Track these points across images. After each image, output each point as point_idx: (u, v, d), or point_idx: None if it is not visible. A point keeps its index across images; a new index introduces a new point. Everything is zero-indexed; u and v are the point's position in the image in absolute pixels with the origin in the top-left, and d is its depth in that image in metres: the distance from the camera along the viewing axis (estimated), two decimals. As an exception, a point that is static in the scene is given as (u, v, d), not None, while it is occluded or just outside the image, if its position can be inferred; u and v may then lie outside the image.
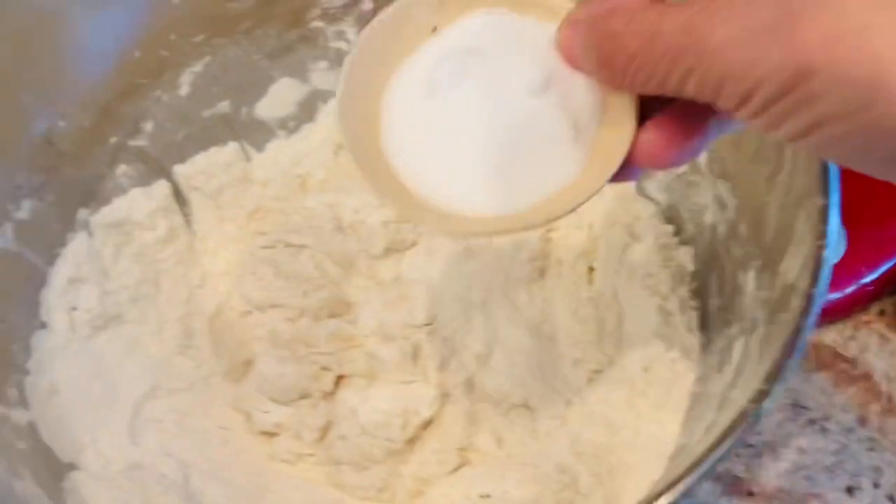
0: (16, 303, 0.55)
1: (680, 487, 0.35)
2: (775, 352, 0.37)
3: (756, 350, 0.44)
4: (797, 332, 0.36)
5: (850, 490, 0.66)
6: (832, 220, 0.38)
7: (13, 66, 0.53)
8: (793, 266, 0.41)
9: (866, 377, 0.70)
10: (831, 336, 0.71)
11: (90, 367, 0.58)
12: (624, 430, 0.55)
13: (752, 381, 0.39)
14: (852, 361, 0.71)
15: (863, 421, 0.68)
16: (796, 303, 0.37)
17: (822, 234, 0.38)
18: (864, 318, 0.72)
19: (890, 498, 0.65)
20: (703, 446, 0.46)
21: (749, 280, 0.50)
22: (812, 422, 0.68)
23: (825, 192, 0.39)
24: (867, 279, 0.70)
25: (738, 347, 0.50)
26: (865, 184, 0.74)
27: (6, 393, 0.51)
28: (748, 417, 0.35)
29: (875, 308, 0.72)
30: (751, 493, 0.65)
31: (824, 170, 0.40)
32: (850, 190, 0.73)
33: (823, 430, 0.68)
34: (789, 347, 0.36)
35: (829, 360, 0.71)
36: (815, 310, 0.36)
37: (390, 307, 0.62)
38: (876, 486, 0.66)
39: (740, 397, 0.41)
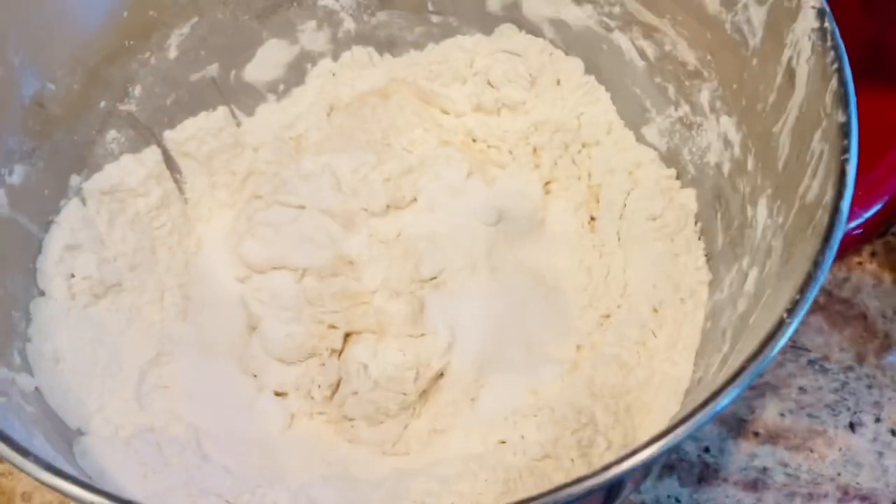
0: (13, 270, 0.54)
1: (723, 400, 0.35)
2: (803, 264, 0.37)
3: (775, 274, 0.45)
4: (826, 241, 0.36)
5: (852, 426, 0.67)
6: (853, 135, 0.38)
7: (2, 25, 0.51)
8: (813, 186, 0.41)
9: (862, 317, 0.71)
10: (826, 278, 0.72)
11: (92, 334, 0.56)
12: (638, 370, 0.55)
13: (777, 302, 0.40)
14: (847, 302, 0.72)
15: (861, 359, 0.70)
16: (823, 217, 0.37)
17: (845, 149, 0.38)
18: (857, 259, 0.73)
19: (892, 432, 0.67)
20: (723, 377, 0.47)
21: (760, 211, 0.51)
22: (812, 362, 0.69)
23: (845, 109, 0.39)
24: (857, 222, 0.71)
25: (751, 278, 0.50)
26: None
27: (11, 358, 0.49)
28: (784, 326, 0.35)
29: (867, 250, 0.74)
30: (756, 434, 0.66)
31: (842, 88, 0.40)
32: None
33: (823, 370, 0.69)
34: (820, 257, 0.36)
35: (825, 302, 0.72)
36: (842, 221, 0.36)
37: (395, 263, 0.62)
38: (878, 420, 0.67)
39: (764, 320, 0.41)
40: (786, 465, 0.65)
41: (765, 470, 0.65)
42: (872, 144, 0.73)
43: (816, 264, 0.36)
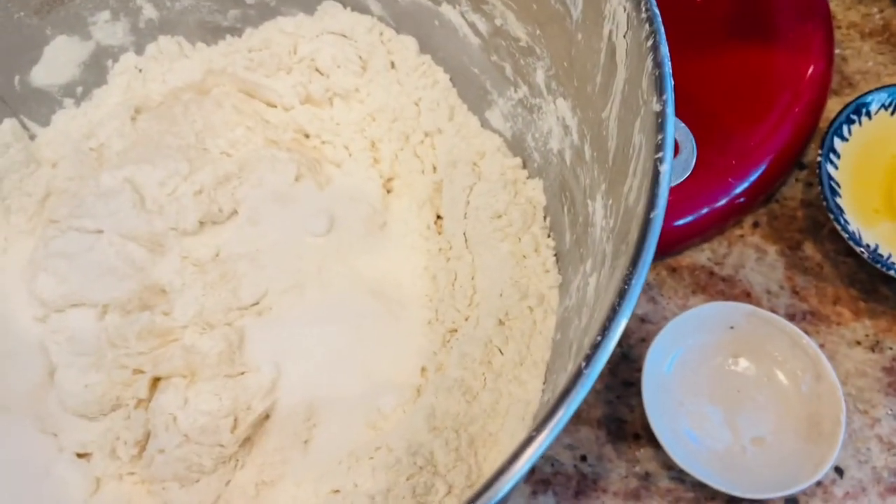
0: None
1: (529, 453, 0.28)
2: (613, 287, 0.31)
3: (604, 287, 0.38)
4: (634, 264, 0.29)
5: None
6: (668, 128, 0.31)
7: None
8: (633, 187, 0.34)
9: (745, 294, 0.66)
10: (705, 255, 0.67)
11: None
12: (483, 394, 0.48)
13: (589, 335, 0.33)
14: (729, 280, 0.67)
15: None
16: (634, 230, 0.30)
17: (658, 146, 0.31)
18: (738, 232, 0.68)
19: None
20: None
21: (597, 209, 0.44)
22: (694, 349, 0.64)
23: (660, 95, 0.32)
24: (737, 190, 0.66)
25: (591, 286, 0.43)
26: (725, 89, 0.70)
27: None
28: (580, 377, 0.29)
29: (748, 221, 0.68)
30: (636, 436, 0.60)
31: (657, 69, 0.33)
32: (708, 98, 0.69)
33: (707, 356, 0.64)
34: (626, 283, 0.29)
35: (706, 282, 0.66)
36: (654, 237, 0.29)
37: (210, 290, 0.53)
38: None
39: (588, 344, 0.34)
40: (670, 469, 0.59)
41: (647, 476, 0.59)
42: (751, 106, 0.68)
43: (622, 294, 0.29)
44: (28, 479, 0.50)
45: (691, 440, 0.57)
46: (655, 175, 0.31)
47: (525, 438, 0.29)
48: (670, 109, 0.32)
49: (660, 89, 0.33)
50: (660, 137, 0.32)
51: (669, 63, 0.33)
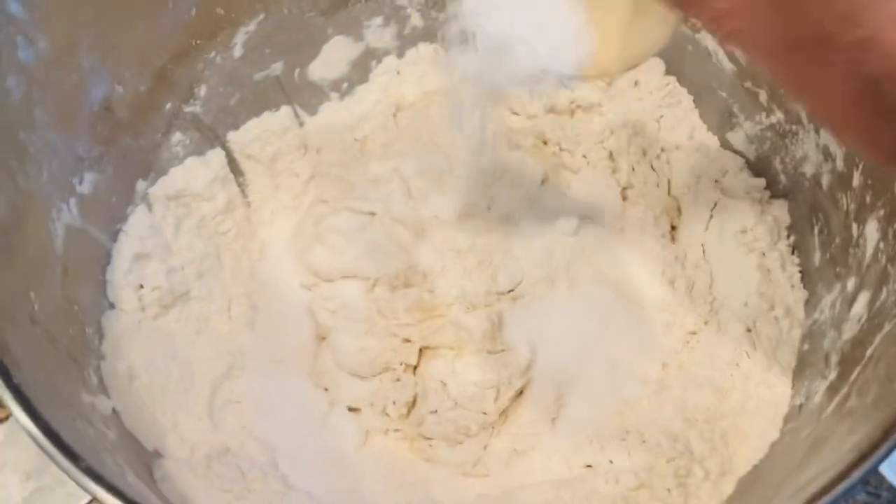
0: (85, 283, 0.52)
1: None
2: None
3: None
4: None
5: None
6: None
7: (71, 28, 0.49)
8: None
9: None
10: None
11: (164, 348, 0.54)
12: (733, 393, 0.53)
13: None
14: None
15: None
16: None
17: None
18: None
19: None
20: (830, 406, 0.44)
21: (870, 232, 0.48)
22: None
23: None
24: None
25: (861, 303, 0.47)
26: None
27: (88, 379, 0.47)
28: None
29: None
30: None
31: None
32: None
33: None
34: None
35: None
36: None
37: (470, 274, 0.59)
38: None
39: (890, 353, 0.38)
40: (866, 483, 0.62)
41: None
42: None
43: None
44: (309, 425, 0.56)
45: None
46: None
47: (888, 425, 0.33)
48: None
49: None
50: None
51: None
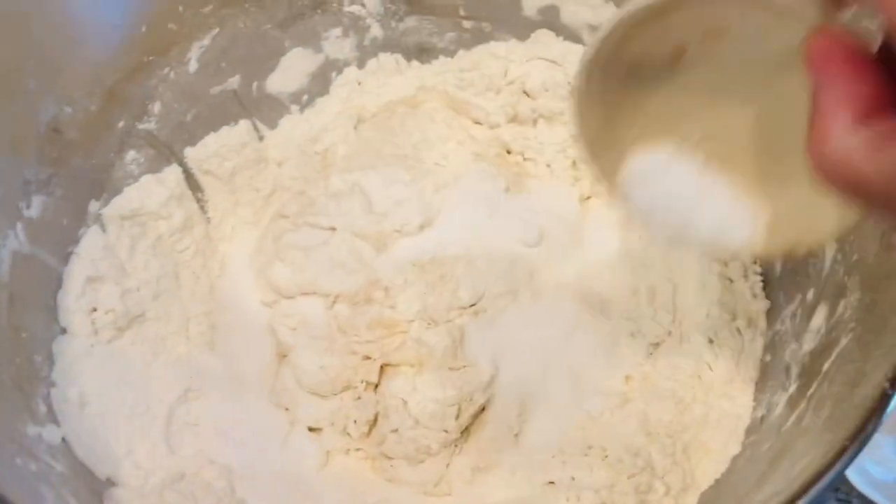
0: (34, 309, 0.51)
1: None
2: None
3: (853, 320, 0.42)
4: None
5: None
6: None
7: (15, 50, 0.48)
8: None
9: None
10: None
11: (117, 372, 0.53)
12: (694, 405, 0.52)
13: (868, 364, 0.36)
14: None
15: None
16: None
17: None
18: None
19: None
20: (790, 420, 0.44)
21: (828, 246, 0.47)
22: None
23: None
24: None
25: (820, 315, 0.47)
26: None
27: (36, 409, 0.46)
28: (886, 399, 0.32)
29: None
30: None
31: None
32: None
33: None
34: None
35: None
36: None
37: (432, 289, 0.58)
38: None
39: (852, 381, 0.38)
40: (836, 490, 0.62)
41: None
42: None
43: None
44: (268, 447, 0.55)
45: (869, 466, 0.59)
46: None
47: (837, 449, 0.32)
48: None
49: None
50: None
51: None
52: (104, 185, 0.58)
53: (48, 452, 0.44)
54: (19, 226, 0.50)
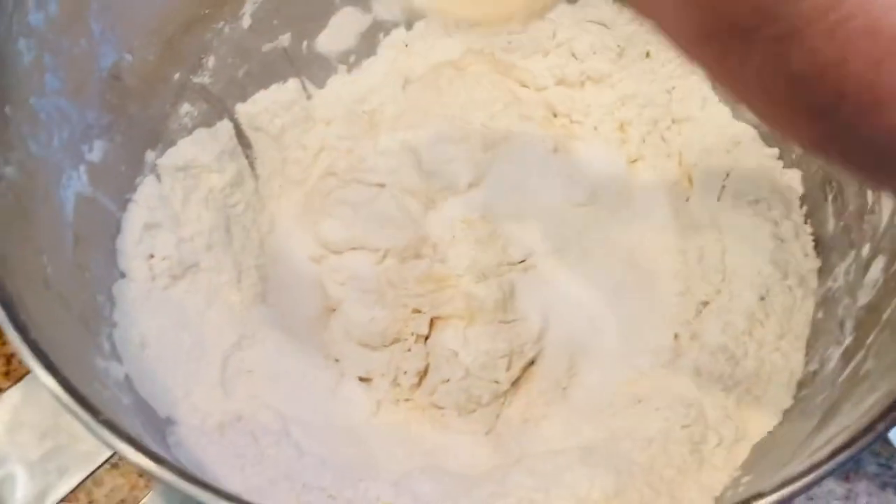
0: (96, 251, 0.52)
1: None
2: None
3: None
4: None
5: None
6: None
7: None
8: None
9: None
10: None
11: (174, 318, 0.54)
12: (746, 361, 0.52)
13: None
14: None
15: None
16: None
17: None
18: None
19: None
20: (846, 372, 0.44)
21: (886, 197, 0.47)
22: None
23: None
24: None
25: (876, 268, 0.47)
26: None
27: (102, 345, 0.47)
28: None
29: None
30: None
31: None
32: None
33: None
34: None
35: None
36: None
37: (481, 245, 0.59)
38: None
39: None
40: (877, 455, 0.62)
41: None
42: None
43: None
44: (319, 395, 0.56)
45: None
46: None
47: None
48: None
49: None
50: None
51: None
52: (160, 136, 0.59)
53: (115, 385, 0.45)
54: (82, 168, 0.51)
